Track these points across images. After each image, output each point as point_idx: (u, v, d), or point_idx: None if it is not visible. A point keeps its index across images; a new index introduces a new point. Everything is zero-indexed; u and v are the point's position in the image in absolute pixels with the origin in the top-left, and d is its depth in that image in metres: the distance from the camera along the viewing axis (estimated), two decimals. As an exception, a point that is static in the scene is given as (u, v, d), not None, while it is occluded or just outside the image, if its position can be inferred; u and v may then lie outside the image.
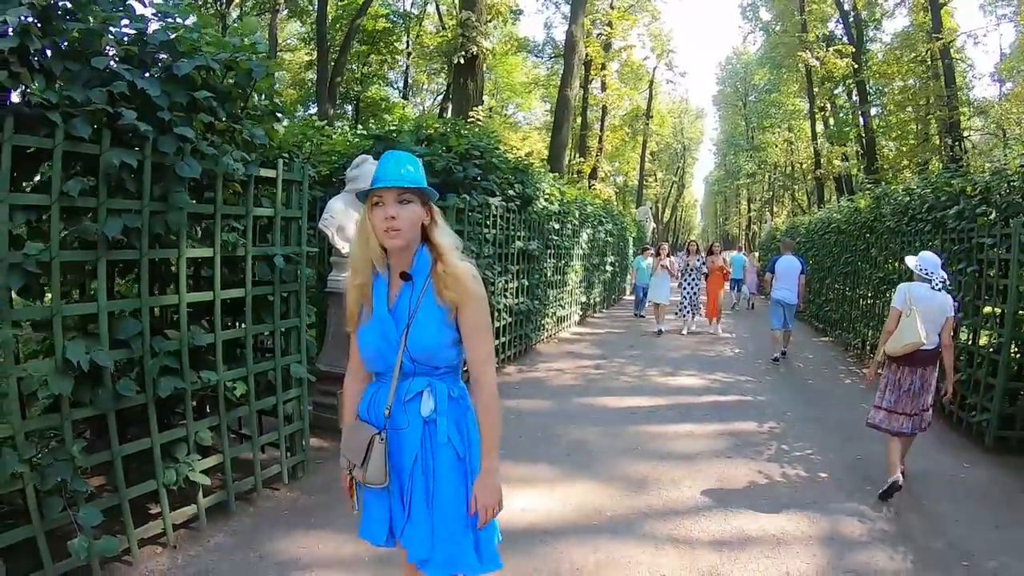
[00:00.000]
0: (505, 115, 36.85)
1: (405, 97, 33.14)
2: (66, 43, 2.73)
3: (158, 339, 3.03)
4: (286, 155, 3.86)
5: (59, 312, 2.64)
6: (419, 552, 1.86)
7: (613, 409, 6.30)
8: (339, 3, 27.04)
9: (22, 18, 2.44)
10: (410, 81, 34.42)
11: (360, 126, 8.82)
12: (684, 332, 11.85)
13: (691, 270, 11.91)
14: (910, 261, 4.46)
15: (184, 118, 2.98)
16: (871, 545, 3.55)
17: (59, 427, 2.71)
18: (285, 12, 28.29)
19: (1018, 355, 5.40)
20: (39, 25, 2.57)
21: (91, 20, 2.76)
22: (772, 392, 7.13)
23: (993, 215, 5.72)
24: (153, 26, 3.02)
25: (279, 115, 3.81)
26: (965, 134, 23.57)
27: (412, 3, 31.84)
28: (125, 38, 2.96)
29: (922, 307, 4.17)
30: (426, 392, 1.88)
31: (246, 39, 3.42)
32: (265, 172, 3.60)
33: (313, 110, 26.51)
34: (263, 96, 3.73)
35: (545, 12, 52.40)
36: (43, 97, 2.51)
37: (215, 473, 3.57)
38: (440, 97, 35.76)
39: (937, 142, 22.36)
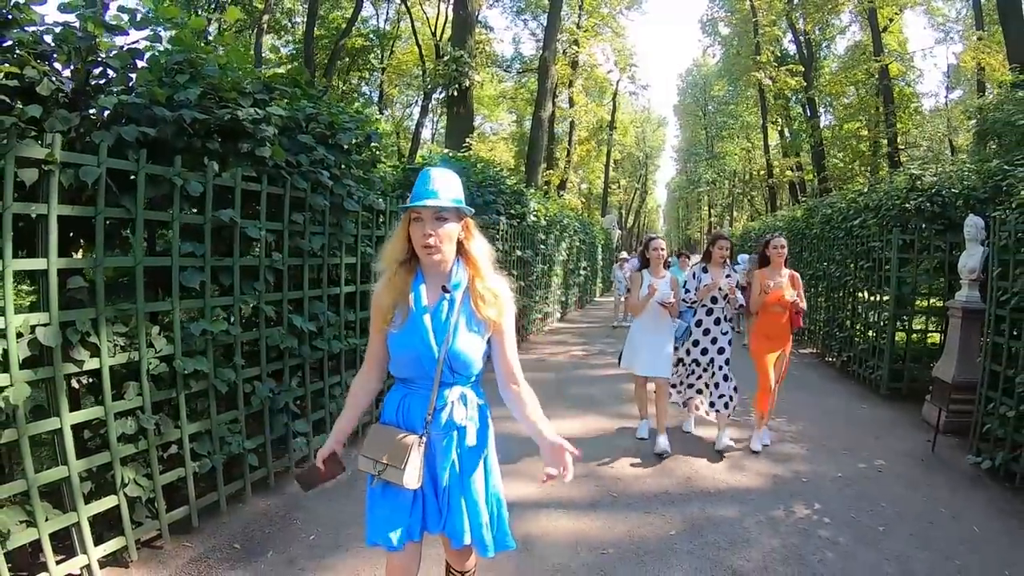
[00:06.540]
0: (473, 126, 37.43)
1: (381, 111, 34.32)
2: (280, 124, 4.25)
3: (331, 315, 4.68)
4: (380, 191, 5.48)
5: (285, 296, 4.27)
6: (461, 539, 1.98)
7: (603, 376, 8.13)
8: (320, 21, 28.28)
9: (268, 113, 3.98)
10: (383, 94, 35.78)
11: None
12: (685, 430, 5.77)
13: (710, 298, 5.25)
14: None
15: (346, 172, 4.64)
16: (780, 442, 5.45)
17: (281, 370, 4.31)
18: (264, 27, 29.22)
19: (902, 327, 7.34)
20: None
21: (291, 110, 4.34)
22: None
23: (883, 223, 7.65)
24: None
25: (379, 163, 5.49)
26: (914, 144, 26.23)
27: (386, 20, 33.49)
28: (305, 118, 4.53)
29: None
30: (459, 400, 1.97)
31: (364, 111, 5.11)
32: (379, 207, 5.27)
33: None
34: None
35: (514, 28, 53.79)
36: (277, 162, 4.08)
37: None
38: (409, 109, 37.89)
39: (886, 151, 24.69)
